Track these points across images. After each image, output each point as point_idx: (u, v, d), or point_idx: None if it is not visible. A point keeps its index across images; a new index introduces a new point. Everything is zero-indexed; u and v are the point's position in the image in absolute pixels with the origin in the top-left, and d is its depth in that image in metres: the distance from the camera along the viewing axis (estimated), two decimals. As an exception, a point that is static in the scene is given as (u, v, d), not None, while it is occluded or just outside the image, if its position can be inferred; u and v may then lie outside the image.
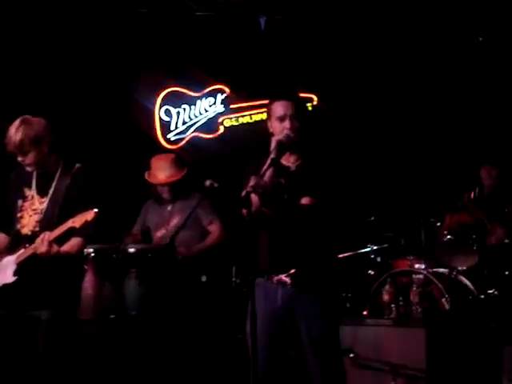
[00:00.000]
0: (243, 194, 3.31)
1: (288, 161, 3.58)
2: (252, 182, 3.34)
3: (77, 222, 3.69)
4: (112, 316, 4.89)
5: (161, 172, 5.39)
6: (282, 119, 3.53)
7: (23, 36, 6.58)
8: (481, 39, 6.76)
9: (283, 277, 3.47)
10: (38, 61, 6.71)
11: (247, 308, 3.42)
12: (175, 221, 5.32)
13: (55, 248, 3.75)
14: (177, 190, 5.41)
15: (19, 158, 3.90)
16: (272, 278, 3.49)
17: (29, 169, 3.94)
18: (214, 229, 5.38)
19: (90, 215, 3.67)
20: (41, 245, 3.72)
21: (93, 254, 4.89)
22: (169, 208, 5.43)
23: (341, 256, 5.79)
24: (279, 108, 3.55)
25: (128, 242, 5.34)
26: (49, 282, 3.82)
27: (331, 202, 3.50)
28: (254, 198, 3.37)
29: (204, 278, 5.22)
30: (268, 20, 6.99)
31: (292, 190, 3.49)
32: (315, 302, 3.48)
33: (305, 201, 3.46)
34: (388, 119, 7.10)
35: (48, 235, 3.72)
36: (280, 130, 3.52)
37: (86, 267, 4.67)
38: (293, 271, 3.46)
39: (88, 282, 4.70)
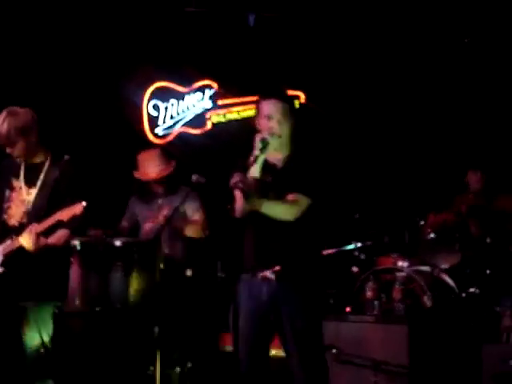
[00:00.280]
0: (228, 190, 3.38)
1: (275, 158, 3.61)
2: (234, 179, 3.38)
3: (64, 215, 3.72)
4: (98, 309, 4.90)
5: (151, 169, 5.40)
6: (269, 118, 3.57)
7: (12, 30, 6.56)
8: (467, 41, 6.79)
9: (268, 273, 3.49)
10: (27, 54, 6.69)
11: (230, 304, 3.48)
12: (164, 213, 5.32)
13: (42, 240, 3.78)
14: (170, 183, 5.42)
15: (8, 150, 3.91)
16: (257, 275, 3.51)
17: (18, 160, 3.94)
18: (195, 219, 5.39)
19: (78, 209, 3.70)
20: (28, 237, 3.73)
21: (78, 247, 4.89)
22: (159, 201, 5.44)
23: (325, 253, 5.83)
24: (267, 107, 3.58)
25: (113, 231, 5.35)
26: (36, 274, 3.85)
27: (316, 198, 3.53)
28: (238, 194, 3.41)
29: (189, 273, 5.24)
30: (257, 17, 7.00)
31: (278, 188, 3.52)
32: (299, 297, 3.51)
33: (290, 197, 3.49)
34: (375, 117, 7.12)
35: (35, 227, 3.74)
36: (267, 127, 3.56)
37: (72, 260, 4.67)
38: (277, 268, 3.48)
39: (74, 274, 4.69)
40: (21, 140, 3.87)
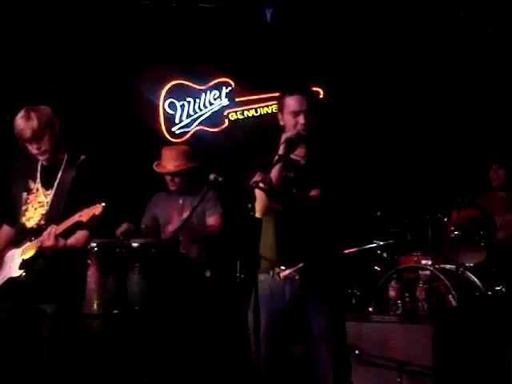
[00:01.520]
0: (247, 186, 3.32)
1: (297, 155, 3.58)
2: (256, 178, 3.33)
3: (84, 216, 3.67)
4: (115, 311, 4.87)
5: (169, 162, 5.38)
6: (296, 114, 3.51)
7: (27, 29, 6.53)
8: (489, 32, 6.70)
9: (291, 271, 3.44)
10: (42, 53, 6.67)
11: (250, 304, 3.42)
12: (186, 214, 5.27)
13: (62, 242, 3.74)
14: (185, 182, 5.37)
15: (33, 146, 3.87)
16: (279, 274, 3.47)
17: (42, 157, 3.92)
18: (213, 221, 5.34)
19: (97, 209, 3.65)
20: (47, 239, 3.70)
21: (96, 249, 4.87)
22: (180, 201, 5.40)
23: (347, 251, 5.77)
24: (293, 102, 3.52)
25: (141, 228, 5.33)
26: (54, 276, 3.82)
27: (339, 194, 3.49)
28: (260, 194, 3.35)
29: (208, 273, 5.19)
30: (274, 12, 6.94)
31: (301, 184, 3.49)
32: (323, 296, 3.47)
33: (313, 193, 3.46)
34: (396, 113, 7.06)
35: (55, 229, 3.71)
36: (293, 124, 3.51)
37: (89, 262, 4.63)
38: (301, 265, 3.43)
39: (91, 277, 4.68)
40: (47, 133, 3.84)
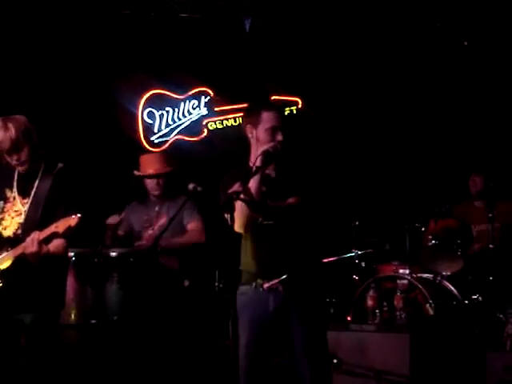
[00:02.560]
0: (223, 198, 3.34)
1: (268, 168, 3.55)
2: (236, 188, 3.33)
3: (60, 227, 3.66)
4: (93, 321, 4.83)
5: (150, 166, 5.38)
6: (273, 130, 3.52)
7: (5, 36, 6.49)
8: (466, 43, 6.76)
9: (275, 282, 3.44)
10: (19, 61, 6.63)
11: (231, 315, 3.42)
12: (162, 221, 5.26)
13: (45, 248, 3.72)
14: (166, 186, 5.36)
15: (12, 157, 3.83)
16: (262, 285, 3.47)
17: (21, 168, 3.88)
18: (193, 227, 5.32)
19: (73, 221, 3.64)
20: (31, 244, 3.68)
21: (73, 258, 4.82)
22: (156, 208, 5.38)
23: (325, 260, 5.77)
24: (270, 118, 3.54)
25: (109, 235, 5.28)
26: (32, 285, 3.77)
27: (314, 200, 3.52)
28: (242, 206, 3.35)
29: (187, 283, 5.17)
30: (252, 22, 6.95)
31: (274, 196, 3.49)
32: (306, 306, 3.48)
33: (290, 200, 3.47)
34: (374, 123, 7.09)
35: (38, 235, 3.68)
36: (269, 139, 3.51)
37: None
38: (285, 276, 3.44)
39: (69, 287, 4.57)
40: (26, 144, 3.81)
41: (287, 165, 3.59)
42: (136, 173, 5.44)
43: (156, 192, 5.38)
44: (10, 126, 3.78)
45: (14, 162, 3.85)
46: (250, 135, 3.59)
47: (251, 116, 3.62)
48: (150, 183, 5.39)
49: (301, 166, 3.62)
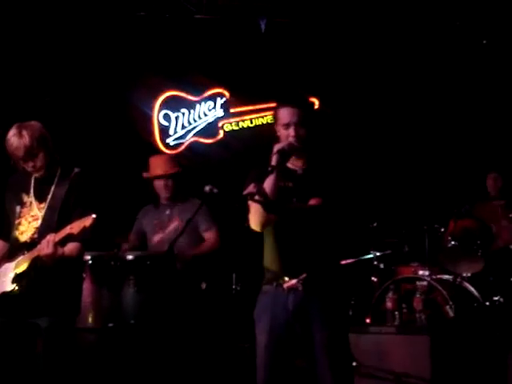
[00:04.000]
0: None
1: (295, 165, 3.56)
2: (250, 189, 3.32)
3: (75, 228, 3.65)
4: (110, 324, 4.82)
5: (158, 168, 5.35)
6: (287, 126, 3.50)
7: (19, 40, 6.51)
8: (485, 42, 6.71)
9: (294, 282, 3.42)
10: (36, 66, 6.65)
11: (252, 316, 3.44)
12: (174, 225, 5.24)
13: (60, 250, 3.71)
14: (176, 188, 5.33)
15: (28, 164, 3.84)
16: (282, 285, 3.44)
17: (37, 174, 3.89)
18: (210, 236, 5.30)
19: (87, 221, 3.62)
20: (46, 246, 3.67)
21: (90, 262, 4.81)
22: (167, 212, 5.35)
23: (344, 262, 5.73)
24: (284, 114, 3.52)
25: (125, 248, 5.28)
26: (48, 289, 3.78)
27: (339, 202, 3.48)
28: (257, 207, 3.34)
29: (204, 286, 5.15)
30: (268, 23, 6.93)
31: (300, 193, 3.47)
32: (327, 306, 3.44)
33: (312, 202, 3.44)
34: (392, 124, 7.06)
35: (53, 237, 3.67)
36: (284, 136, 3.51)
37: (83, 275, 4.58)
38: (304, 276, 3.40)
39: (86, 290, 4.60)
40: (41, 150, 3.81)
41: (315, 162, 3.58)
42: (145, 174, 5.43)
43: (165, 194, 5.34)
44: (25, 133, 3.78)
45: (29, 169, 3.86)
46: (278, 134, 3.57)
47: (274, 114, 3.62)
48: (159, 185, 5.35)
49: (328, 165, 3.59)
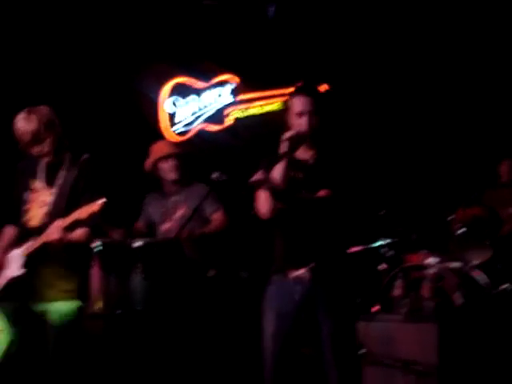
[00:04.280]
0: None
1: (305, 155, 3.56)
2: (257, 177, 3.34)
3: (83, 213, 3.66)
4: (118, 311, 4.84)
5: (160, 151, 5.31)
6: (300, 115, 3.51)
7: (28, 27, 6.51)
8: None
9: (302, 271, 3.42)
10: (44, 51, 6.64)
11: (260, 306, 3.48)
12: (181, 212, 5.21)
13: (68, 235, 3.72)
14: (182, 170, 5.28)
15: (35, 149, 3.86)
16: (289, 274, 3.45)
17: (44, 159, 3.89)
18: (217, 217, 5.27)
19: (96, 206, 3.64)
20: (54, 232, 3.69)
21: (98, 249, 4.82)
22: (173, 199, 5.32)
23: (352, 250, 5.72)
24: (298, 103, 3.52)
25: (115, 236, 5.24)
26: (57, 276, 3.80)
27: (348, 194, 3.49)
28: (265, 194, 3.34)
29: (212, 273, 5.15)
30: (277, 8, 6.90)
31: (310, 184, 3.48)
32: (334, 295, 3.46)
33: (322, 193, 3.44)
34: (401, 111, 7.02)
35: (61, 222, 3.69)
36: (297, 125, 3.51)
37: (91, 262, 4.60)
38: (312, 265, 3.42)
39: (94, 277, 4.63)
40: (49, 135, 3.84)
41: (326, 153, 3.57)
42: (147, 162, 5.34)
43: (171, 176, 5.26)
44: (33, 117, 3.80)
45: (36, 154, 3.87)
46: (289, 122, 3.57)
47: (286, 103, 3.62)
48: (165, 168, 5.28)
49: (339, 155, 3.59)
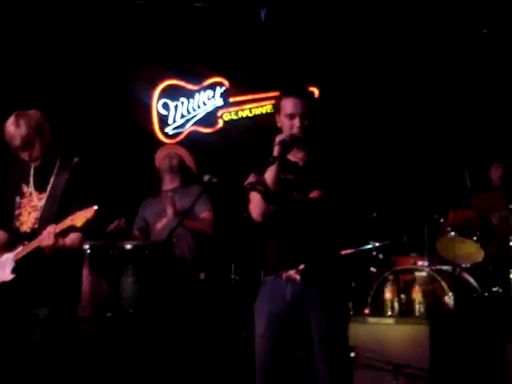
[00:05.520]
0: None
1: (296, 157, 3.55)
2: (250, 180, 3.33)
3: (76, 219, 3.64)
4: (109, 314, 4.82)
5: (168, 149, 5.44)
6: (291, 117, 3.49)
7: (19, 30, 6.49)
8: (485, 31, 6.69)
9: (292, 273, 3.41)
10: (33, 54, 6.62)
11: (253, 308, 3.46)
12: (172, 207, 5.22)
13: (60, 241, 3.70)
14: (183, 170, 5.35)
15: (25, 154, 3.84)
16: (280, 275, 3.44)
17: (34, 163, 3.89)
18: (204, 216, 5.28)
19: (89, 213, 3.62)
20: (47, 237, 3.67)
21: (88, 251, 4.81)
22: (168, 194, 5.34)
23: (343, 253, 5.72)
24: (289, 105, 3.49)
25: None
26: (48, 280, 3.77)
27: (340, 195, 3.47)
28: (257, 197, 3.34)
29: (202, 276, 5.15)
30: (268, 11, 6.90)
31: (301, 186, 3.46)
32: (325, 297, 3.43)
33: (313, 194, 3.43)
34: (392, 114, 7.03)
35: (54, 228, 3.67)
36: (288, 127, 3.49)
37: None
38: (302, 266, 3.40)
39: (84, 279, 4.58)
40: (38, 140, 3.81)
41: (317, 154, 3.56)
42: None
43: (173, 172, 5.39)
44: (22, 122, 3.78)
45: (26, 158, 3.86)
46: (278, 124, 3.56)
47: (276, 104, 3.60)
48: (168, 163, 5.43)
49: (329, 157, 3.57)
